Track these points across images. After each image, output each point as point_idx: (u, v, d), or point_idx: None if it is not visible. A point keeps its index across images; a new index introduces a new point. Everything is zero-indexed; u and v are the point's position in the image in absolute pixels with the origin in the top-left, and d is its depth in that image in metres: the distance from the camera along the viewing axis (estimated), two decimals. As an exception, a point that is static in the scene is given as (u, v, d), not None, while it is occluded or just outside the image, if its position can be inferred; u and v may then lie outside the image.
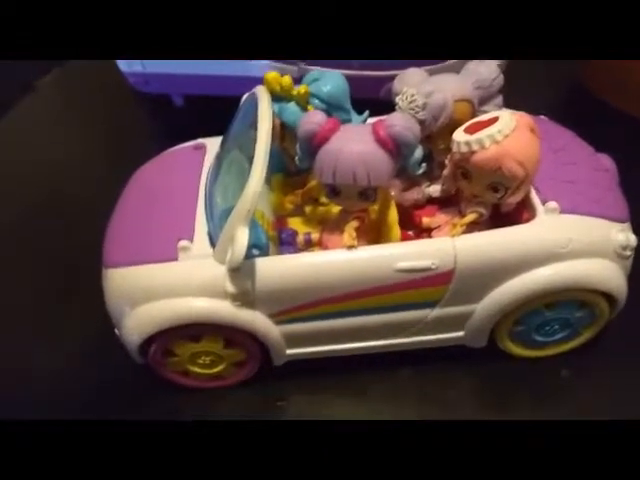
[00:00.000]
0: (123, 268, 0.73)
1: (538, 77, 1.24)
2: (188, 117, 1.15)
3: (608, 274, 0.71)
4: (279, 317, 0.72)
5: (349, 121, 0.78)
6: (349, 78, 0.78)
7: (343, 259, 0.69)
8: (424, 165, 0.72)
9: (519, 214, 0.74)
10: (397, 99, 0.74)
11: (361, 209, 0.73)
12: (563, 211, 0.71)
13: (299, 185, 0.85)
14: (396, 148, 0.67)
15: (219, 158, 0.80)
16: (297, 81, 0.78)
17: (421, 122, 0.71)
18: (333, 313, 0.72)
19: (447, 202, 0.79)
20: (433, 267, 0.69)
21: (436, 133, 0.75)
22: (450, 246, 0.69)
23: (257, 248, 0.70)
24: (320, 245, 0.77)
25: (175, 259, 0.71)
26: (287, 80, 0.75)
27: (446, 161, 0.74)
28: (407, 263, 0.69)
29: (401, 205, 0.78)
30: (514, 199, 0.70)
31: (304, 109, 0.76)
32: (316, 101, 0.77)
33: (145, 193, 0.83)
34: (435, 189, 0.80)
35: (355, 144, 0.67)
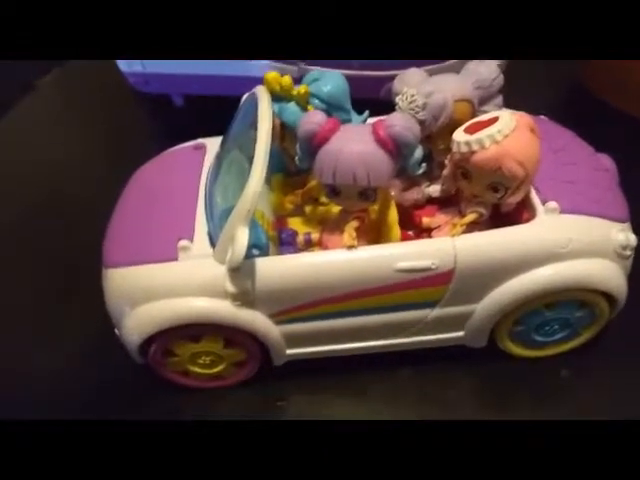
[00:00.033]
0: (123, 268, 0.73)
1: (538, 77, 1.24)
2: (188, 117, 1.15)
3: (608, 274, 0.71)
4: (279, 317, 0.72)
5: (349, 121, 0.78)
6: (349, 78, 0.78)
7: (343, 259, 0.69)
8: (424, 165, 0.72)
9: (519, 214, 0.74)
10: (397, 99, 0.74)
11: (361, 209, 0.73)
12: (563, 211, 0.71)
13: (299, 185, 0.85)
14: (396, 148, 0.67)
15: (219, 158, 0.80)
16: (297, 81, 0.78)
17: (421, 122, 0.71)
18: (333, 313, 0.72)
19: (447, 202, 0.79)
20: (433, 267, 0.69)
21: (436, 133, 0.75)
22: (450, 246, 0.69)
23: (257, 248, 0.70)
24: (320, 245, 0.77)
25: (175, 259, 0.71)
26: (287, 80, 0.75)
27: (446, 161, 0.74)
28: (407, 263, 0.69)
29: (401, 205, 0.78)
30: (514, 199, 0.70)
31: (304, 109, 0.76)
32: (316, 101, 0.77)
33: (145, 193, 0.83)
34: (435, 189, 0.80)
35: (355, 144, 0.67)
